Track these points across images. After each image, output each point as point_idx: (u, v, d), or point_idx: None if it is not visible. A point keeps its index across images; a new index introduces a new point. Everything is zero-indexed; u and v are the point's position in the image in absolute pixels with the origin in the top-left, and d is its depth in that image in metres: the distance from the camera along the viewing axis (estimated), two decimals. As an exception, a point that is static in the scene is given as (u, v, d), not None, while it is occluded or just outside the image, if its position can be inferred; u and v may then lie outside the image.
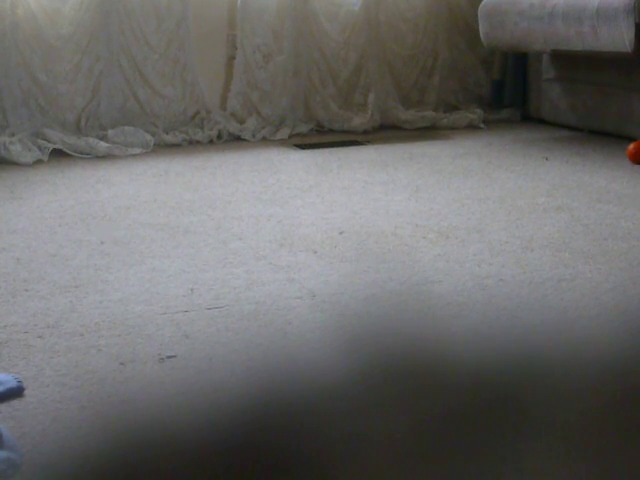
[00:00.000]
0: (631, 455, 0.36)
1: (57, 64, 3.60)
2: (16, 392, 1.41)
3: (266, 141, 3.83)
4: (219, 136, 3.82)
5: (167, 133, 3.76)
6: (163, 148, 3.68)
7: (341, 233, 2.34)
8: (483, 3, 3.81)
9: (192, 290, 1.91)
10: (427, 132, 4.02)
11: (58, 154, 3.49)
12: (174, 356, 1.56)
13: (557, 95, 3.99)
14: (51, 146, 3.48)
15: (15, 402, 1.39)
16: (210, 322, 1.72)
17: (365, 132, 3.97)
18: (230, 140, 3.83)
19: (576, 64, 3.82)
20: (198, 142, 3.78)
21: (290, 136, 3.91)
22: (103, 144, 3.55)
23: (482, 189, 2.83)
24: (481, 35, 3.83)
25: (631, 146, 3.20)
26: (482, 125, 4.12)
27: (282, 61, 3.95)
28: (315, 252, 2.18)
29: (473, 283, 1.82)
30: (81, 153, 3.51)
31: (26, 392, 1.42)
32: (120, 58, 3.72)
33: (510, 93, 4.27)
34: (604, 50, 3.23)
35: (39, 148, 3.45)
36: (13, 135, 3.47)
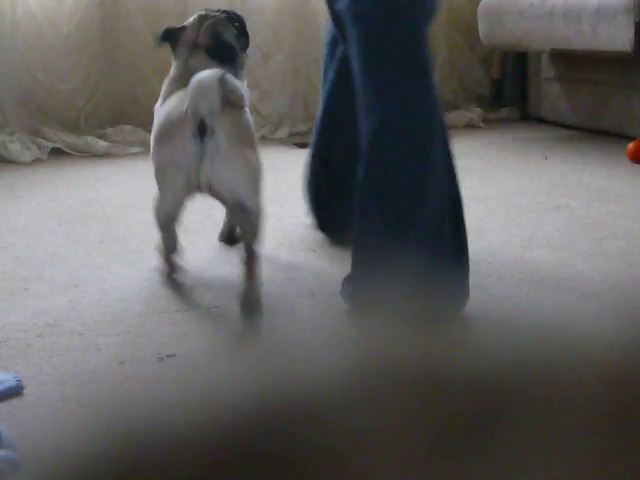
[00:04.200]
0: (631, 456, 0.37)
1: (56, 63, 3.60)
2: (15, 391, 1.41)
3: (265, 140, 3.83)
4: (218, 135, 3.82)
5: (166, 132, 3.76)
6: (162, 147, 3.68)
7: (340, 232, 2.34)
8: (482, 2, 3.81)
9: (191, 289, 1.91)
10: (426, 131, 4.02)
11: (57, 153, 3.48)
12: (173, 355, 1.56)
13: (556, 94, 3.99)
14: (50, 145, 3.48)
15: (14, 401, 1.39)
16: (209, 321, 1.72)
17: (364, 131, 3.97)
18: (229, 139, 3.83)
19: (575, 63, 3.82)
20: (197, 141, 3.77)
21: (289, 135, 3.91)
22: (102, 143, 3.55)
23: (481, 188, 2.82)
24: (480, 34, 3.83)
25: (630, 145, 3.20)
26: (481, 124, 4.12)
27: (281, 60, 3.95)
28: (314, 251, 2.18)
29: (472, 282, 1.81)
30: (80, 152, 3.51)
31: (25, 391, 1.42)
32: (119, 57, 3.72)
33: (509, 92, 4.27)
34: (603, 49, 3.23)
35: (38, 147, 3.45)
36: (12, 134, 3.47)
